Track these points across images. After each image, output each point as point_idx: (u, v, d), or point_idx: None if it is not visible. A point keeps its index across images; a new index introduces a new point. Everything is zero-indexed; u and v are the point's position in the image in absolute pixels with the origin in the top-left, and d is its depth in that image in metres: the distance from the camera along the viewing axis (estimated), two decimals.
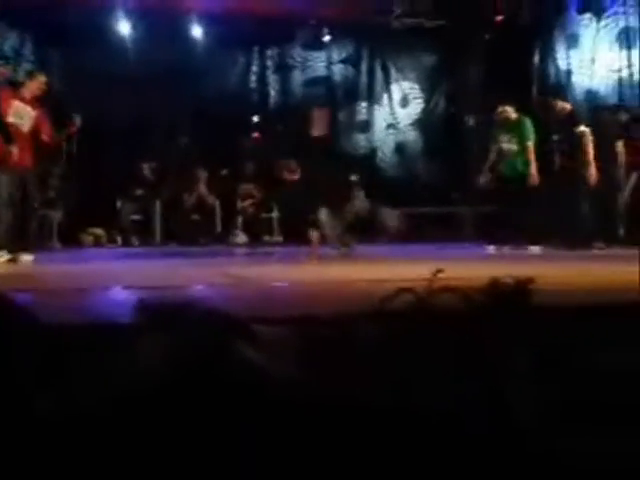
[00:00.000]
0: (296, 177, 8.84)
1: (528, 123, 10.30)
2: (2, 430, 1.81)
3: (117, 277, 6.03)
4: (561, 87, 12.12)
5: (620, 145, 10.25)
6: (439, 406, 2.42)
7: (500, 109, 10.47)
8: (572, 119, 10.14)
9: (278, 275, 6.08)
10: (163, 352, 2.37)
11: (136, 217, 12.63)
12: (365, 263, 7.66)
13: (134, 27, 12.99)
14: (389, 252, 9.87)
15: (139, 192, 12.65)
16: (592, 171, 9.75)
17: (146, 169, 12.73)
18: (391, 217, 12.53)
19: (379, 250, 10.10)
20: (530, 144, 10.13)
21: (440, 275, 2.83)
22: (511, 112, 10.42)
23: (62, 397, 2.34)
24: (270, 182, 11.01)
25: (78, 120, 8.27)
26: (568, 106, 10.38)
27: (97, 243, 12.13)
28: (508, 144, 10.34)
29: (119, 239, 12.45)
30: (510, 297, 2.75)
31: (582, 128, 9.91)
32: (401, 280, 4.52)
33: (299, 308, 3.47)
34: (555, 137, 10.38)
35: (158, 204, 12.45)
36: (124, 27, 12.99)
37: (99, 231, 12.27)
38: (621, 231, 10.19)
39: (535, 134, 10.23)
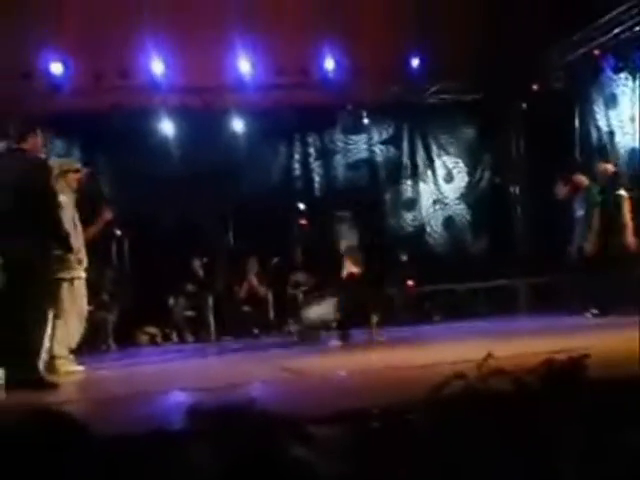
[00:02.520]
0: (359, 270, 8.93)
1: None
2: None
3: (173, 378, 6.03)
4: (604, 148, 12.00)
5: None
6: None
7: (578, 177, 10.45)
8: (614, 181, 10.03)
9: (327, 365, 6.02)
10: (217, 457, 2.35)
11: (189, 313, 12.66)
12: (414, 346, 7.56)
13: (176, 126, 13.25)
14: (438, 332, 9.76)
15: (191, 288, 12.71)
16: (629, 236, 9.59)
17: (196, 265, 12.82)
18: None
19: (427, 331, 9.98)
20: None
21: (491, 357, 2.79)
22: (584, 181, 10.39)
23: None
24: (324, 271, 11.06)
25: (109, 212, 8.24)
26: (611, 167, 10.27)
27: (152, 341, 12.18)
28: (579, 212, 10.29)
29: (174, 336, 12.48)
30: (564, 376, 2.69)
31: (622, 192, 9.78)
32: (452, 363, 4.47)
33: (352, 399, 3.43)
34: (599, 198, 10.25)
35: (210, 299, 12.49)
36: (166, 127, 13.25)
37: (153, 329, 12.33)
38: None
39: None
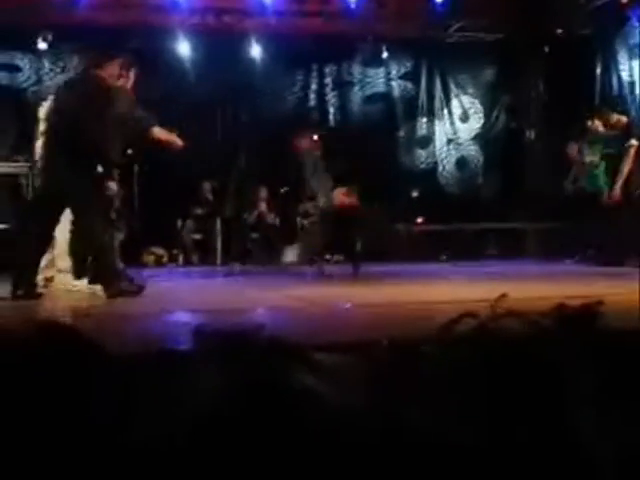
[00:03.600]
0: (353, 202, 8.85)
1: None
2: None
3: (178, 300, 6.05)
4: (622, 99, 11.86)
5: None
6: (503, 436, 2.35)
7: (590, 122, 10.38)
8: (627, 132, 9.95)
9: (339, 296, 6.03)
10: (221, 381, 2.34)
11: (197, 236, 12.68)
12: (427, 283, 7.56)
13: (192, 48, 13.10)
14: (451, 271, 9.76)
15: (199, 211, 12.71)
16: (617, 187, 9.56)
17: (206, 188, 12.80)
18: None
19: (434, 269, 9.97)
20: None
21: (505, 297, 2.77)
22: (599, 125, 10.33)
23: (138, 430, 2.32)
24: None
25: (113, 187, 8.12)
26: (624, 119, 10.20)
27: (158, 263, 12.21)
28: (591, 157, 10.25)
29: (180, 258, 12.51)
30: (577, 321, 2.67)
31: (633, 142, 9.70)
32: (466, 301, 4.47)
33: (361, 331, 3.43)
34: (609, 150, 10.20)
35: (218, 223, 12.48)
36: (183, 48, 13.10)
37: (160, 251, 12.35)
38: None
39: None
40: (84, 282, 6.93)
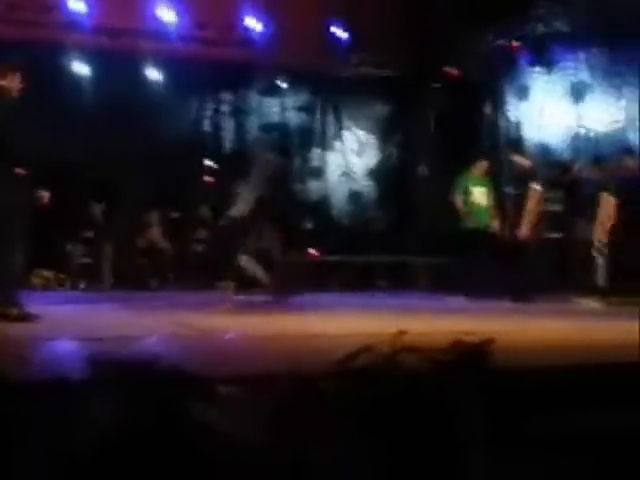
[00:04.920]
0: None
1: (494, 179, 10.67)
2: None
3: (67, 326, 5.89)
4: (517, 141, 12.26)
5: None
6: (396, 465, 2.39)
7: (479, 164, 10.74)
8: (528, 176, 10.31)
9: (232, 325, 5.99)
10: (117, 411, 2.30)
11: (85, 260, 12.41)
12: (319, 314, 7.57)
13: (90, 67, 12.87)
14: (341, 302, 9.82)
15: (89, 234, 12.45)
16: (523, 226, 9.93)
17: (97, 210, 12.54)
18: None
19: (330, 300, 10.02)
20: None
21: (403, 333, 2.81)
22: (488, 167, 10.73)
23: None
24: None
25: (46, 195, 7.22)
26: (527, 162, 10.57)
27: (45, 286, 11.89)
28: (480, 198, 10.60)
29: (67, 282, 12.21)
30: (472, 358, 2.74)
31: (535, 186, 10.07)
32: (362, 335, 4.50)
33: (256, 364, 3.41)
34: (509, 190, 10.55)
35: (108, 247, 12.26)
36: (80, 67, 12.86)
37: (48, 273, 12.03)
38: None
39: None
40: None
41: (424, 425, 2.42)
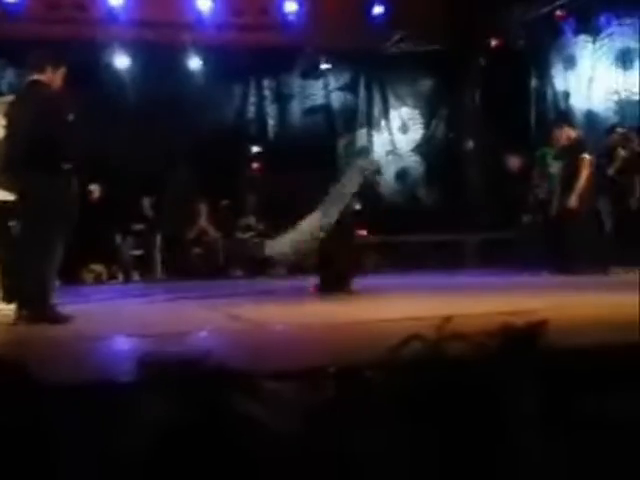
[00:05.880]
0: None
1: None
2: None
3: (118, 321, 5.92)
4: (564, 112, 12.00)
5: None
6: (450, 457, 2.34)
7: (558, 133, 10.53)
8: (577, 147, 10.10)
9: (281, 315, 5.95)
10: (165, 410, 2.29)
11: (136, 252, 12.51)
12: (369, 297, 7.51)
13: (131, 61, 12.99)
14: (390, 283, 9.75)
15: (139, 227, 12.54)
16: (574, 199, 9.71)
17: (146, 204, 12.63)
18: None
19: (379, 281, 9.94)
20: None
21: (451, 320, 2.75)
22: (569, 133, 10.49)
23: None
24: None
25: (97, 190, 7.07)
26: (573, 133, 10.33)
27: (98, 280, 12.02)
28: (554, 169, 10.46)
29: (120, 275, 12.33)
30: (522, 342, 2.67)
31: (585, 155, 9.86)
32: (408, 319, 4.46)
33: (304, 355, 3.38)
34: (559, 163, 10.35)
35: (158, 238, 12.35)
36: (121, 61, 12.99)
37: (99, 267, 12.16)
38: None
39: None
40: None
41: (475, 415, 2.36)
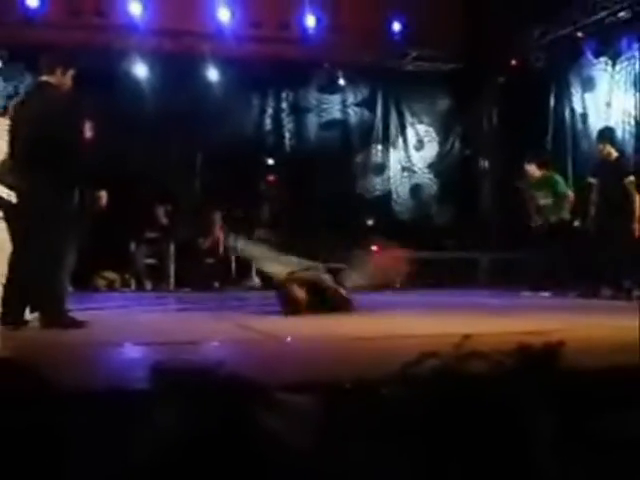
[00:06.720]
0: None
1: (556, 178, 10.50)
2: None
3: (131, 330, 5.91)
4: (608, 131, 11.80)
5: None
6: (466, 475, 2.32)
7: (527, 168, 10.65)
8: (621, 167, 9.99)
9: (292, 327, 5.93)
10: (179, 419, 2.28)
11: (150, 261, 12.52)
12: (382, 314, 7.49)
13: (149, 70, 13.04)
14: (404, 301, 9.73)
15: (153, 235, 12.55)
16: (638, 227, 9.58)
17: (160, 213, 12.65)
18: None
19: (391, 299, 9.92)
20: (568, 195, 10.27)
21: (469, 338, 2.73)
22: (534, 171, 10.62)
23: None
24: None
25: (104, 196, 6.94)
26: (614, 152, 10.19)
27: (110, 287, 12.03)
28: (544, 200, 10.51)
29: (132, 283, 12.33)
30: (539, 362, 2.65)
31: (631, 178, 9.73)
32: (423, 336, 4.45)
33: (316, 369, 3.37)
34: (593, 181, 10.26)
35: (172, 247, 12.36)
36: (139, 70, 13.03)
37: (112, 275, 12.17)
38: None
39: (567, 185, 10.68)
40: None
41: (491, 434, 2.34)
